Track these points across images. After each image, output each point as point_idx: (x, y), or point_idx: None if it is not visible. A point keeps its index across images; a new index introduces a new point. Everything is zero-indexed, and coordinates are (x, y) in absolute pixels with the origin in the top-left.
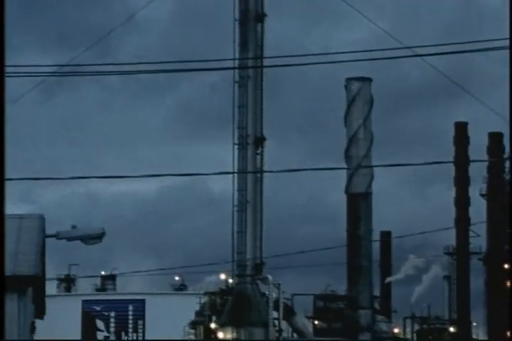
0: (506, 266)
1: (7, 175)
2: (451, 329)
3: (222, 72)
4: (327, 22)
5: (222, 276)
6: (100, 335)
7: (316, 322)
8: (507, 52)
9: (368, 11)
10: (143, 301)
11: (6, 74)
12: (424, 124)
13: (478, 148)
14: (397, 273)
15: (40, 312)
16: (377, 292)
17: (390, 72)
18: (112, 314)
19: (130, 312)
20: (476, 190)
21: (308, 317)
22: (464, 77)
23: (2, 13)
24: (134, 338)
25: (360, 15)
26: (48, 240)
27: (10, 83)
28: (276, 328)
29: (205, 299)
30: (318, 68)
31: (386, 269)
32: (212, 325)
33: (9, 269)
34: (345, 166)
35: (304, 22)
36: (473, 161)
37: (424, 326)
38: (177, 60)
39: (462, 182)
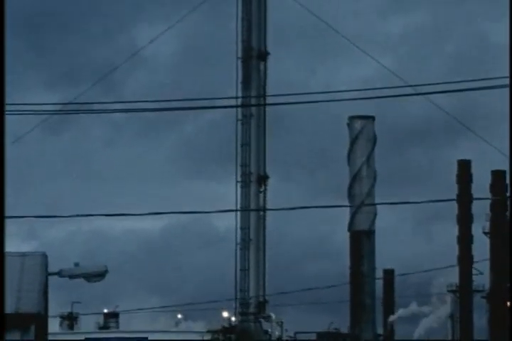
0: (509, 303)
1: (12, 213)
2: None
3: (226, 110)
4: (331, 60)
5: (225, 314)
6: None
7: None
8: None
9: (372, 47)
10: (146, 339)
11: (11, 112)
12: (428, 162)
13: (481, 185)
14: (399, 311)
15: None
16: (380, 330)
17: (393, 110)
18: None
19: None
20: (479, 228)
21: None
22: (468, 114)
23: (2, 54)
24: None
25: (364, 52)
26: (50, 278)
27: (14, 120)
28: None
29: (208, 337)
30: (321, 106)
31: (389, 307)
32: None
33: (12, 307)
34: (349, 204)
35: (308, 59)
36: (476, 199)
37: None
38: (181, 97)
39: (465, 220)
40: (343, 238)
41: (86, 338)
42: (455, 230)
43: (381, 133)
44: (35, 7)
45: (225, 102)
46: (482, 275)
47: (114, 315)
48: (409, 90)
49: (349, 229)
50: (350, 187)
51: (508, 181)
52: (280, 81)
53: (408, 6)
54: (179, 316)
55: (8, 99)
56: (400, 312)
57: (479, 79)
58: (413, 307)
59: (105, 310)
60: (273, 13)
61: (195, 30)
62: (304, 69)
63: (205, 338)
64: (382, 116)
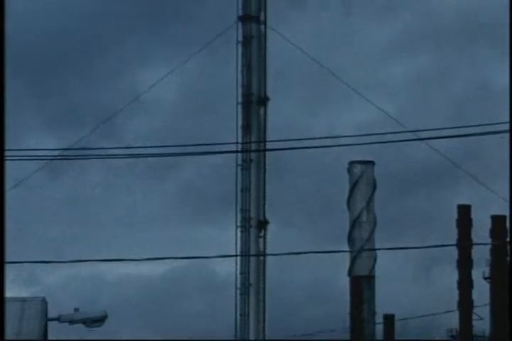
0: None
1: (11, 258)
2: None
3: (226, 154)
4: (332, 105)
5: None
6: None
7: None
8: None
9: (374, 91)
10: None
11: (11, 158)
12: (428, 207)
13: (481, 230)
14: None
15: None
16: None
17: (394, 154)
18: None
19: None
20: (480, 273)
21: None
22: (468, 158)
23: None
24: None
25: (366, 96)
26: (50, 323)
27: (14, 164)
28: None
29: None
30: (321, 150)
31: None
32: None
33: None
34: (349, 249)
35: (308, 104)
36: (476, 244)
37: None
38: (181, 141)
39: (465, 264)
40: (343, 283)
41: None
42: (455, 275)
43: (381, 178)
44: (35, 50)
45: (225, 147)
46: (482, 321)
47: None
48: (410, 135)
49: (349, 274)
50: (350, 232)
51: (508, 226)
52: (281, 126)
53: (411, 50)
54: None
55: (8, 142)
56: None
57: (480, 125)
58: None
59: None
60: (273, 58)
61: (196, 75)
62: (305, 114)
63: None
64: (383, 161)
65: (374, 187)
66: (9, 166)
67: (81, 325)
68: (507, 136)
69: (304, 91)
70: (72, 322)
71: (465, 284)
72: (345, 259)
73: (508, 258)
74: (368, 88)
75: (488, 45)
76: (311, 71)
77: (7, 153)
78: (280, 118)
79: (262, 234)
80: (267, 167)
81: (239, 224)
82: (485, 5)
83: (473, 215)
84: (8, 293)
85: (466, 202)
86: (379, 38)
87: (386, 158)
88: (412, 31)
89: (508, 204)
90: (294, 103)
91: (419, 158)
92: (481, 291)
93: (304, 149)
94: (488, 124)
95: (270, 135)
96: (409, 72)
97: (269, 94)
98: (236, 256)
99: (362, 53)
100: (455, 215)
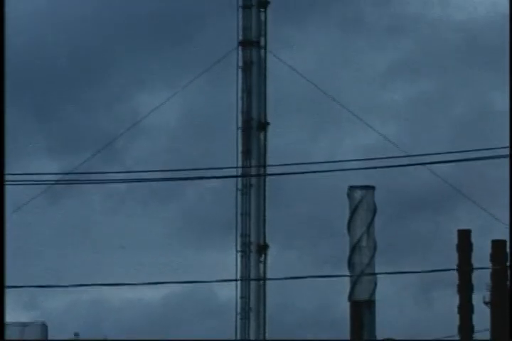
0: None
1: (12, 282)
2: None
3: (226, 179)
4: (332, 129)
5: None
6: None
7: None
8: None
9: (375, 115)
10: None
11: (11, 183)
12: (428, 231)
13: (481, 255)
14: None
15: None
16: None
17: (394, 178)
18: None
19: None
20: (480, 298)
21: None
22: (468, 182)
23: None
24: None
25: (367, 121)
26: None
27: (15, 189)
28: None
29: None
30: (322, 174)
31: None
32: None
33: None
34: (349, 273)
35: (309, 129)
36: (476, 269)
37: None
38: (182, 166)
39: (466, 289)
40: (344, 307)
41: None
42: (455, 299)
43: (382, 202)
44: (36, 75)
45: (226, 172)
46: None
47: None
48: (410, 159)
49: (349, 299)
50: (350, 257)
51: (508, 251)
52: (281, 150)
53: (412, 74)
54: None
55: (8, 167)
56: None
57: (480, 149)
58: None
59: None
60: (274, 82)
61: (197, 99)
62: (305, 138)
63: None
64: (383, 185)
65: (374, 212)
66: (9, 190)
67: None
68: (507, 160)
69: (305, 115)
70: None
71: (465, 309)
72: (346, 284)
73: (508, 283)
74: (369, 112)
75: (490, 69)
76: (311, 95)
77: (7, 178)
78: (280, 142)
79: (262, 259)
80: (267, 191)
81: (239, 248)
82: (487, 29)
83: (473, 240)
84: (9, 317)
85: (467, 227)
86: (380, 61)
87: (386, 182)
88: (413, 55)
89: (508, 228)
90: (294, 127)
91: (420, 182)
92: (482, 316)
93: (304, 174)
94: (488, 149)
95: (270, 159)
96: (410, 96)
97: (269, 118)
98: (236, 280)
99: (363, 77)
100: (455, 240)
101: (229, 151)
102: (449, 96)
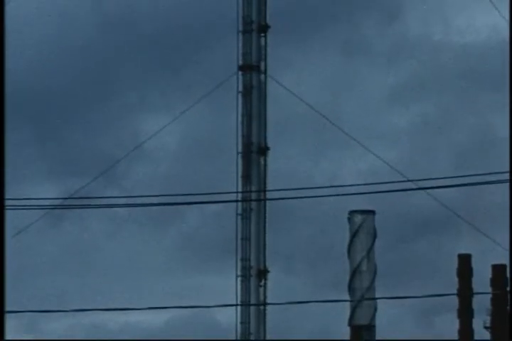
0: None
1: (12, 306)
2: None
3: (226, 203)
4: (333, 153)
5: None
6: None
7: None
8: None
9: (377, 139)
10: None
11: (11, 207)
12: (428, 256)
13: (481, 279)
14: None
15: None
16: None
17: (394, 203)
18: None
19: None
20: (480, 322)
21: None
22: (469, 207)
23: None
24: None
25: (368, 145)
26: None
27: (15, 213)
28: None
29: None
30: (322, 199)
31: None
32: None
33: None
34: (349, 298)
35: (309, 153)
36: (476, 293)
37: None
38: (182, 190)
39: (466, 314)
40: (344, 332)
41: None
42: (456, 324)
43: (382, 226)
44: (36, 98)
45: (226, 196)
46: None
47: None
48: (410, 184)
49: (349, 324)
50: (351, 282)
51: (508, 275)
52: (281, 174)
53: (412, 98)
54: None
55: (8, 190)
56: None
57: (480, 174)
58: None
59: None
60: (274, 107)
61: (197, 124)
62: (306, 163)
63: None
64: (383, 209)
65: (374, 236)
66: (10, 214)
67: None
68: (507, 185)
69: (305, 140)
70: None
71: (466, 333)
72: (346, 308)
73: (508, 308)
74: (370, 136)
75: (492, 93)
76: (312, 119)
77: (7, 202)
78: (281, 167)
79: (262, 283)
80: (267, 215)
81: (239, 273)
82: (489, 53)
83: (473, 264)
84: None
85: (467, 251)
86: (381, 85)
87: (386, 206)
88: (414, 78)
89: (508, 253)
90: (294, 152)
91: (420, 207)
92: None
93: (305, 198)
94: (488, 174)
95: (270, 184)
96: (411, 120)
97: (269, 143)
98: (236, 305)
99: (364, 100)
100: (455, 264)
101: (229, 176)
102: (450, 120)
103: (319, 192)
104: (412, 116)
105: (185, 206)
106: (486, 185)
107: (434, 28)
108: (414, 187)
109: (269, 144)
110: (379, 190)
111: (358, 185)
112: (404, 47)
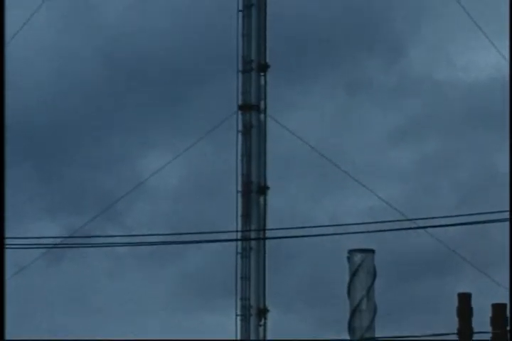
0: None
1: None
2: None
3: (226, 242)
4: (333, 192)
5: None
6: None
7: None
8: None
9: (379, 177)
10: None
11: (11, 246)
12: (428, 294)
13: (481, 319)
14: None
15: None
16: None
17: (395, 241)
18: None
19: None
20: None
21: None
22: (469, 246)
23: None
24: None
25: (369, 183)
26: None
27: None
28: None
29: None
30: (322, 237)
31: None
32: None
33: None
34: (349, 337)
35: (309, 192)
36: (476, 333)
37: None
38: (182, 229)
39: None
40: None
41: None
42: None
43: (382, 265)
44: (36, 135)
45: (225, 235)
46: None
47: None
48: (410, 222)
49: None
50: (350, 321)
51: (508, 314)
52: (281, 213)
53: (415, 136)
54: None
55: (8, 227)
56: None
57: (479, 213)
58: None
59: None
60: (274, 146)
61: (197, 163)
62: (306, 201)
63: None
64: (383, 248)
65: (374, 275)
66: (9, 252)
67: None
68: (507, 224)
69: (306, 179)
70: None
71: None
72: None
73: None
74: (372, 174)
75: (495, 132)
76: (312, 159)
77: (7, 241)
78: (281, 206)
79: (262, 323)
80: (267, 254)
81: (239, 312)
82: (493, 92)
83: (473, 303)
84: None
85: (467, 290)
86: (384, 124)
87: (387, 244)
88: (417, 117)
89: (508, 292)
90: (295, 191)
91: (420, 245)
92: None
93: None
94: (488, 213)
95: (270, 222)
96: (414, 159)
97: (269, 182)
98: None
99: (366, 139)
100: (455, 303)
101: (229, 214)
102: (452, 159)
103: (319, 230)
104: (415, 154)
105: (184, 245)
106: (486, 224)
107: (437, 66)
108: (414, 225)
109: (269, 183)
110: (379, 228)
111: (358, 224)
112: (407, 86)
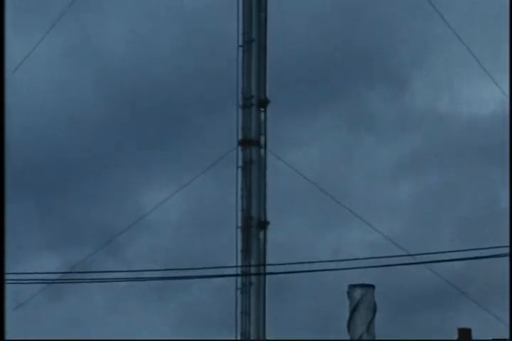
0: None
1: None
2: None
3: (226, 277)
4: (333, 227)
5: None
6: None
7: None
8: None
9: (379, 211)
10: None
11: (11, 282)
12: (428, 329)
13: None
14: None
15: None
16: None
17: (395, 276)
18: None
19: None
20: None
21: None
22: (469, 281)
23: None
24: None
25: (370, 218)
26: None
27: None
28: None
29: None
30: (322, 272)
31: None
32: None
33: None
34: None
35: (309, 227)
36: None
37: None
38: (182, 263)
39: None
40: None
41: None
42: None
43: (382, 299)
44: (37, 169)
45: (225, 271)
46: None
47: None
48: (411, 257)
49: None
50: None
51: None
52: (281, 248)
53: (417, 170)
54: None
55: (8, 261)
56: None
57: (479, 248)
58: None
59: None
60: (274, 180)
61: (197, 197)
62: (306, 236)
63: None
64: (384, 282)
65: (374, 311)
66: (9, 287)
67: None
68: (507, 259)
69: (306, 213)
70: None
71: None
72: None
73: None
74: (373, 209)
75: (498, 166)
76: (312, 194)
77: (7, 277)
78: (280, 241)
79: None
80: (267, 288)
81: None
82: (495, 125)
83: (473, 338)
84: None
85: (467, 326)
86: (386, 158)
87: (387, 278)
88: (420, 151)
89: (508, 328)
90: (295, 226)
91: (420, 280)
92: None
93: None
94: (488, 248)
95: (270, 257)
96: (416, 193)
97: (270, 216)
98: None
99: (367, 173)
100: (455, 338)
101: (229, 249)
102: (454, 193)
103: (319, 266)
104: (416, 188)
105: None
106: (487, 259)
107: (439, 100)
108: (414, 260)
109: (270, 218)
110: (379, 263)
111: (358, 259)
112: (409, 120)
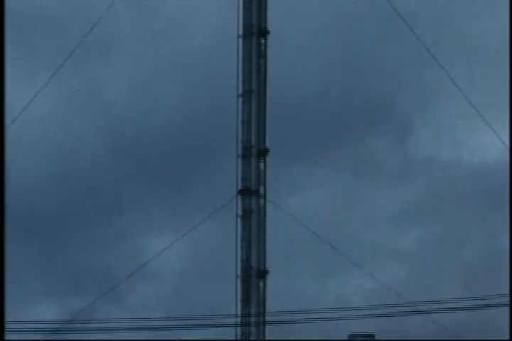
0: None
1: None
2: None
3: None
4: (334, 276)
5: None
6: None
7: None
8: None
9: (382, 259)
10: None
11: (11, 330)
12: None
13: None
14: None
15: None
16: None
17: (396, 324)
18: None
19: None
20: None
21: None
22: (470, 329)
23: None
24: None
25: (371, 265)
26: None
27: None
28: None
29: None
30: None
31: None
32: None
33: None
34: None
35: (309, 276)
36: None
37: None
38: (184, 312)
39: None
40: None
41: None
42: None
43: None
44: (37, 215)
45: (225, 320)
46: None
47: None
48: (411, 306)
49: None
50: None
51: None
52: (281, 297)
53: (420, 217)
54: None
55: (8, 310)
56: None
57: (479, 298)
58: None
59: None
60: (274, 229)
61: (198, 247)
62: (307, 285)
63: None
64: (385, 330)
65: None
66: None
67: None
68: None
69: (306, 262)
70: None
71: None
72: None
73: None
74: (375, 256)
75: (501, 212)
76: (312, 242)
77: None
78: (280, 289)
79: None
80: (266, 337)
81: None
82: (498, 172)
83: None
84: None
85: None
86: (389, 205)
87: (388, 325)
88: (423, 198)
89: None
90: (295, 274)
91: (421, 329)
92: None
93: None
94: (489, 297)
95: (270, 306)
96: (418, 240)
97: (269, 265)
98: None
99: (369, 221)
100: None
101: (229, 298)
102: (458, 240)
103: (320, 314)
104: (419, 235)
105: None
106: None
107: (443, 147)
108: (415, 309)
109: (270, 267)
110: (380, 312)
111: (359, 308)
112: (413, 167)
